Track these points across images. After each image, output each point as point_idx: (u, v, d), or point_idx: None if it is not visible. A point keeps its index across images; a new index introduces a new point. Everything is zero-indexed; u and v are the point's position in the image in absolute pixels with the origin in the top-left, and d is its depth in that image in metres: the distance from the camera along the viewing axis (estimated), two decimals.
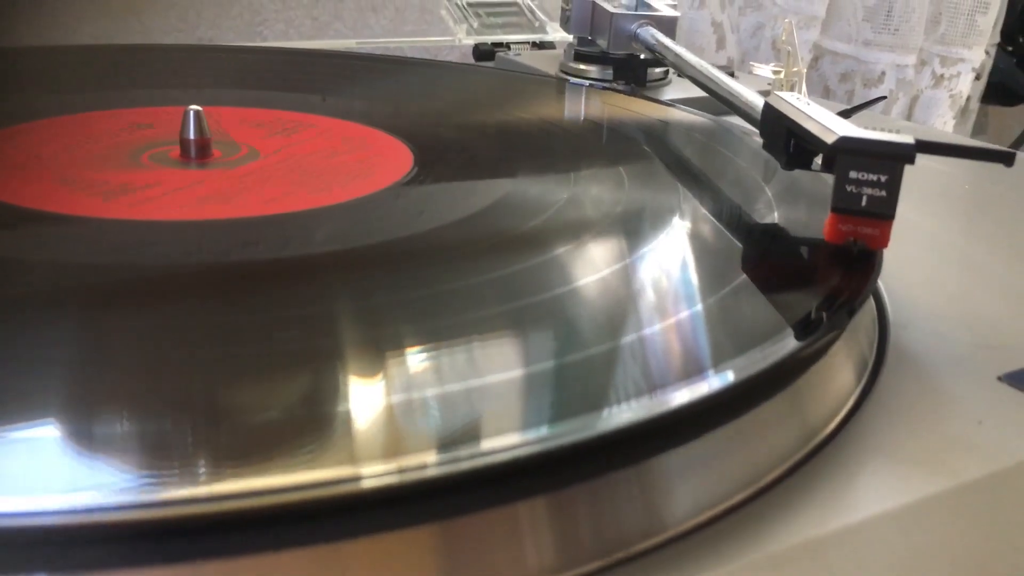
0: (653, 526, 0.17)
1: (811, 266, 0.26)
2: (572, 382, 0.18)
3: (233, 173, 0.30)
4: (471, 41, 0.55)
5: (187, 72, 0.46)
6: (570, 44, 0.52)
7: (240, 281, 0.23)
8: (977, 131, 0.99)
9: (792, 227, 0.28)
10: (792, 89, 0.47)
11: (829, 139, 0.24)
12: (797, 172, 0.28)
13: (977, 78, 0.88)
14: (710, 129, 0.39)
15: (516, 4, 0.55)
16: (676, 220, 0.29)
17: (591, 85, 0.48)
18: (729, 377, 0.19)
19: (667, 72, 0.52)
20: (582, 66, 0.51)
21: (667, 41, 0.45)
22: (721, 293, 0.23)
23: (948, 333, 0.26)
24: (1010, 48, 0.96)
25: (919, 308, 0.27)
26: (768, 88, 0.50)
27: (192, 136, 0.31)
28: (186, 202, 0.27)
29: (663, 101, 0.45)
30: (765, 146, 0.29)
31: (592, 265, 0.25)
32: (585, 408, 0.17)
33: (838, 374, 0.22)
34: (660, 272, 0.24)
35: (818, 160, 0.26)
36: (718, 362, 0.19)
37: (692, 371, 0.19)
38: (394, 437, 0.16)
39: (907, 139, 0.23)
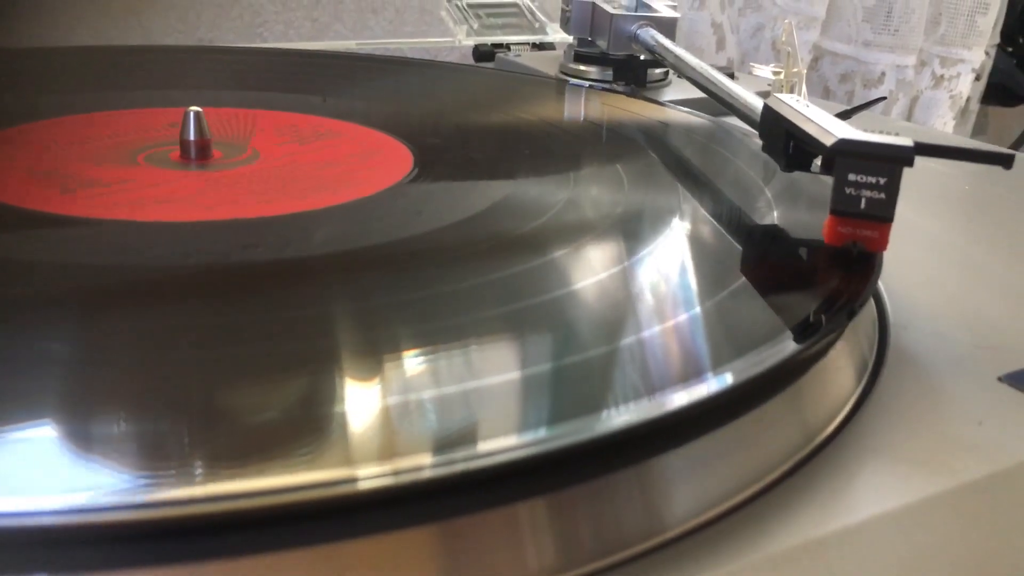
0: (653, 527, 0.17)
1: (811, 268, 0.26)
2: (574, 383, 0.18)
3: (230, 174, 0.30)
4: (471, 42, 0.55)
5: (187, 73, 0.46)
6: (570, 45, 0.52)
7: (239, 282, 0.23)
8: (977, 132, 0.99)
9: (792, 228, 0.28)
10: (792, 90, 0.47)
11: (828, 141, 0.24)
12: (796, 173, 0.28)
13: (977, 79, 0.88)
14: (710, 130, 0.39)
15: (516, 5, 0.55)
16: (676, 222, 0.29)
17: (591, 86, 0.48)
18: (728, 379, 0.19)
19: (667, 73, 0.52)
20: (582, 67, 0.51)
21: (667, 42, 0.45)
22: (721, 295, 0.23)
23: (948, 333, 0.26)
24: (1010, 49, 0.96)
25: (919, 309, 0.27)
26: (768, 89, 0.50)
27: (192, 137, 0.31)
28: (163, 201, 0.27)
29: (663, 102, 0.45)
30: (764, 148, 0.29)
31: (592, 267, 0.25)
32: (586, 409, 0.17)
33: (838, 375, 0.22)
34: (660, 274, 0.25)
35: (817, 162, 0.26)
36: (718, 364, 0.19)
37: (692, 373, 0.19)
38: (398, 438, 0.16)
39: (906, 142, 0.23)
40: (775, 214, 0.29)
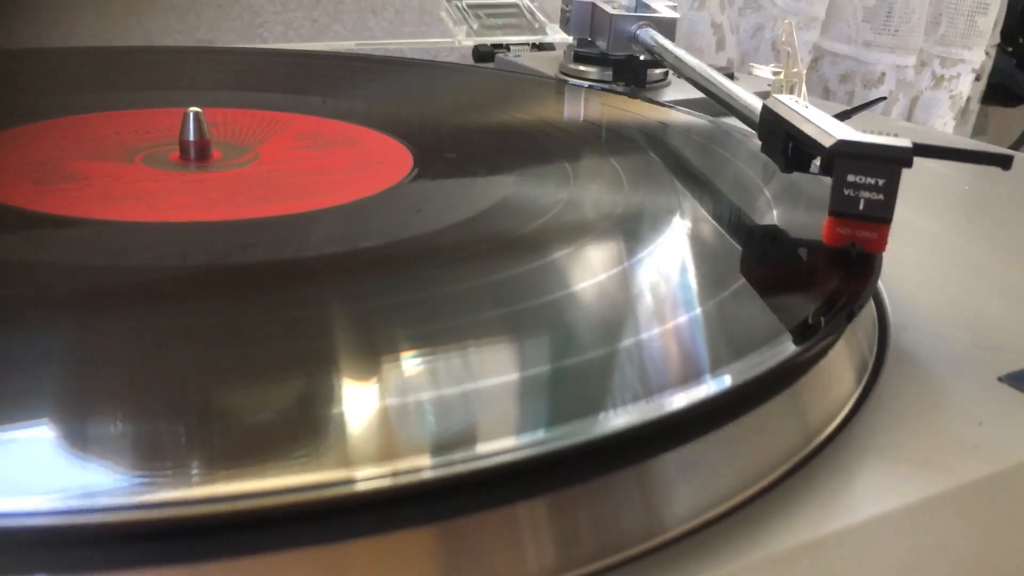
0: (653, 527, 0.17)
1: (810, 269, 0.26)
2: (574, 384, 0.18)
3: (229, 175, 0.30)
4: (471, 43, 0.55)
5: (187, 73, 0.46)
6: (570, 46, 0.52)
7: (237, 283, 0.23)
8: (977, 132, 0.99)
9: (791, 229, 0.28)
10: (792, 90, 0.47)
11: (827, 143, 0.24)
12: (796, 174, 0.28)
13: (977, 79, 0.88)
14: (709, 131, 0.39)
15: (516, 6, 0.55)
16: (675, 223, 0.29)
17: (590, 86, 0.48)
18: (728, 381, 0.19)
19: (667, 73, 0.52)
20: (582, 67, 0.51)
21: (666, 42, 0.45)
22: (720, 296, 0.23)
23: (948, 333, 0.26)
24: (1010, 49, 0.96)
25: (919, 309, 0.27)
26: (768, 89, 0.50)
27: (191, 138, 0.31)
28: (153, 201, 0.27)
29: (662, 103, 0.45)
30: (763, 149, 0.29)
31: (591, 268, 0.25)
32: (586, 410, 0.17)
33: (838, 375, 0.22)
34: (659, 275, 0.25)
35: (816, 163, 0.26)
36: (717, 365, 0.19)
37: (691, 374, 0.19)
38: (399, 438, 0.16)
39: (904, 143, 0.23)
40: (774, 215, 0.29)
